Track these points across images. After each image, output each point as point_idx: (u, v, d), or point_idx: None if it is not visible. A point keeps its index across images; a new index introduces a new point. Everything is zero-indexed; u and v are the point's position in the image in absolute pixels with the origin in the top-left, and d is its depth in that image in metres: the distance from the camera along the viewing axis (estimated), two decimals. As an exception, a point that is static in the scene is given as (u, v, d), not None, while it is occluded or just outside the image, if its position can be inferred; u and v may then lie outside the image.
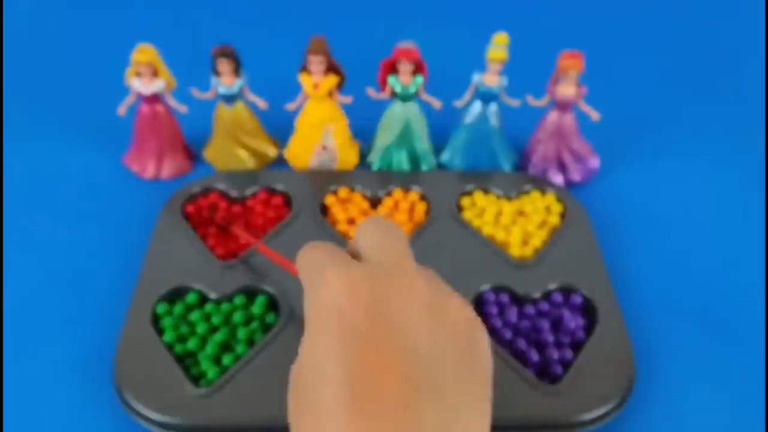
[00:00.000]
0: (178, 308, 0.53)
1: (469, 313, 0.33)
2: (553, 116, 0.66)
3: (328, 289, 0.31)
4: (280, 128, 0.69)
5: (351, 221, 0.61)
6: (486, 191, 0.64)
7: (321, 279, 0.31)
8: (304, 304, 0.33)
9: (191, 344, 0.50)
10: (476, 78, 0.64)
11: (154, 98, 0.65)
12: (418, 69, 0.63)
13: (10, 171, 0.68)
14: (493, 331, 0.52)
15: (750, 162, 0.72)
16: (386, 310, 0.30)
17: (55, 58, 0.84)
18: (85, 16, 0.92)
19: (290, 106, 0.66)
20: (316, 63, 0.62)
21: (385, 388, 0.28)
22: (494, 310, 0.53)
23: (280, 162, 0.69)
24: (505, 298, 0.54)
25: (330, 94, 0.65)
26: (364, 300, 0.30)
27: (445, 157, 0.69)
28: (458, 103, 0.66)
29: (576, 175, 0.67)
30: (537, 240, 0.59)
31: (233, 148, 0.68)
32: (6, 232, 0.62)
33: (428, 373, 0.29)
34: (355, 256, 0.35)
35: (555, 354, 0.50)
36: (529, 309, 0.53)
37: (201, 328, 0.51)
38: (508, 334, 0.52)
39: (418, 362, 0.29)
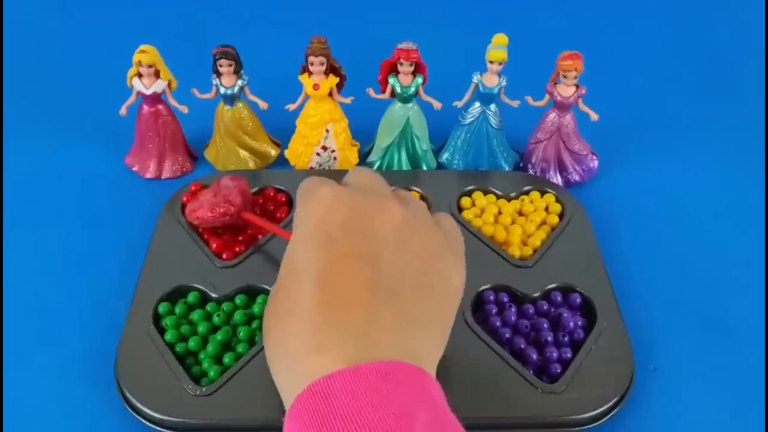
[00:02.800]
0: (179, 308, 0.53)
1: (438, 245, 0.37)
2: (552, 117, 0.66)
3: (316, 201, 0.36)
4: (280, 129, 0.70)
5: (351, 221, 0.61)
6: (486, 191, 0.64)
7: (313, 194, 0.37)
8: (294, 218, 0.38)
9: (192, 344, 0.51)
10: (476, 79, 0.64)
11: (156, 99, 0.65)
12: (418, 70, 0.64)
13: (12, 171, 0.68)
14: (492, 331, 0.52)
15: (750, 162, 0.72)
16: (359, 223, 0.35)
17: (56, 59, 0.85)
18: (86, 17, 0.92)
19: (291, 107, 0.66)
20: (317, 64, 0.62)
21: (348, 286, 0.33)
22: (494, 309, 0.54)
23: (281, 162, 0.70)
24: (504, 297, 0.55)
25: (330, 95, 0.65)
26: (343, 212, 0.35)
27: (445, 157, 0.69)
28: (458, 104, 0.66)
29: (575, 176, 0.68)
30: (536, 240, 0.59)
31: (234, 149, 0.68)
32: (7, 231, 0.62)
33: (387, 282, 0.34)
34: None
35: (554, 353, 0.50)
36: (529, 308, 0.54)
37: (202, 328, 0.52)
38: (507, 334, 0.52)
39: (378, 270, 0.34)
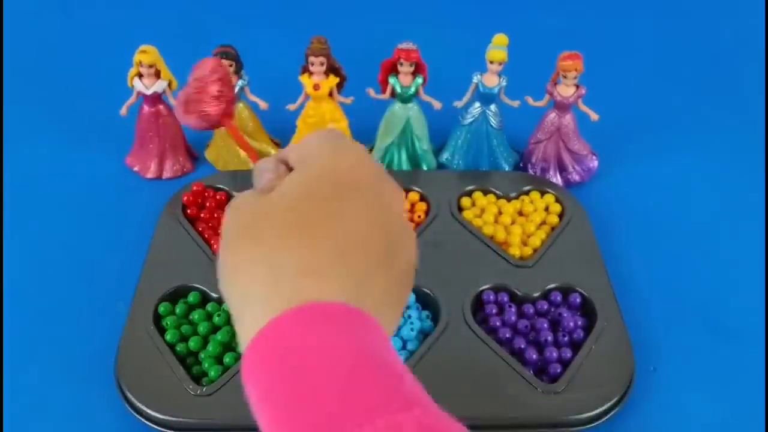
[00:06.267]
0: (179, 308, 0.53)
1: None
2: (552, 117, 0.66)
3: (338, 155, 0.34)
4: (281, 129, 0.70)
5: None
6: (486, 191, 0.64)
7: (340, 144, 0.34)
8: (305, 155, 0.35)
9: (193, 344, 0.51)
10: (476, 79, 0.64)
11: (156, 99, 0.65)
12: (418, 70, 0.64)
13: (13, 171, 0.68)
14: (492, 331, 0.52)
15: (749, 162, 0.72)
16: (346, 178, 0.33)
17: (56, 59, 0.85)
18: (86, 17, 0.92)
19: (291, 107, 0.66)
20: (317, 64, 0.62)
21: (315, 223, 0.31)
22: (493, 309, 0.54)
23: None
24: (504, 297, 0.55)
25: (331, 95, 0.65)
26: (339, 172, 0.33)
27: (445, 157, 0.69)
28: (458, 104, 0.66)
29: (575, 176, 0.68)
30: (536, 240, 0.59)
31: (234, 149, 0.68)
32: (7, 231, 0.62)
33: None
34: None
35: (554, 353, 0.50)
36: (529, 308, 0.54)
37: (203, 328, 0.52)
38: (507, 334, 0.52)
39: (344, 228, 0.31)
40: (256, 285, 0.30)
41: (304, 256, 0.30)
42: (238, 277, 0.32)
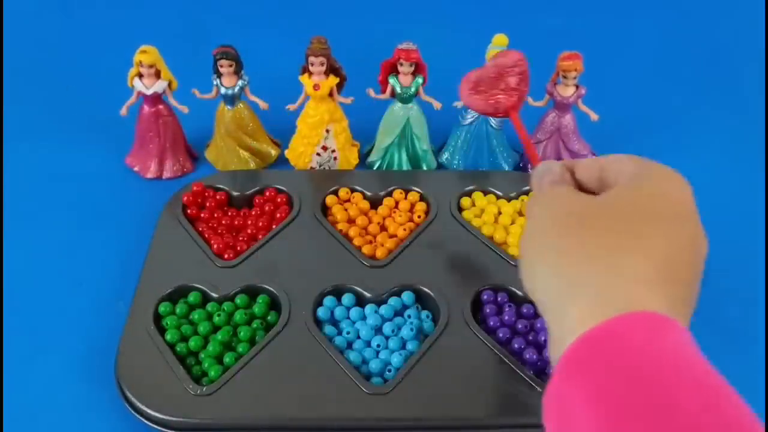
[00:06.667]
0: (180, 307, 0.53)
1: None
2: (552, 117, 0.66)
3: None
4: (281, 129, 0.70)
5: (351, 221, 0.62)
6: (486, 191, 0.64)
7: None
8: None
9: (193, 343, 0.51)
10: (476, 79, 0.64)
11: (156, 99, 0.65)
12: (418, 70, 0.64)
13: (12, 171, 0.68)
14: (491, 331, 0.52)
15: (750, 162, 0.72)
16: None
17: (56, 59, 0.85)
18: (86, 16, 0.92)
19: (291, 107, 0.66)
20: (317, 64, 0.62)
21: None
22: (492, 309, 0.54)
23: (282, 162, 0.70)
24: (503, 297, 0.55)
25: (331, 95, 0.65)
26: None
27: (445, 157, 0.69)
28: (458, 104, 0.66)
29: (575, 176, 0.68)
30: (536, 240, 0.59)
31: (234, 149, 0.68)
32: (7, 231, 0.62)
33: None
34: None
35: (554, 353, 0.50)
36: (528, 309, 0.54)
37: (203, 328, 0.52)
38: (506, 334, 0.52)
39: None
40: (588, 279, 0.30)
41: (638, 264, 0.31)
42: (564, 266, 0.32)
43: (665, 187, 0.35)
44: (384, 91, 0.65)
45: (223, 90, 0.65)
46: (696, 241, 0.34)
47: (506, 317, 0.53)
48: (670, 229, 0.33)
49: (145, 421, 0.46)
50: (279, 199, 0.63)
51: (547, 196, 0.36)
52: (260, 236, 0.59)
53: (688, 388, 0.26)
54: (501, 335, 0.52)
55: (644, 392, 0.26)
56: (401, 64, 0.63)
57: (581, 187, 0.37)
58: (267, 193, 0.63)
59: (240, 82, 0.65)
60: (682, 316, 0.32)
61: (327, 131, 0.66)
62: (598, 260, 0.31)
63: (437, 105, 0.65)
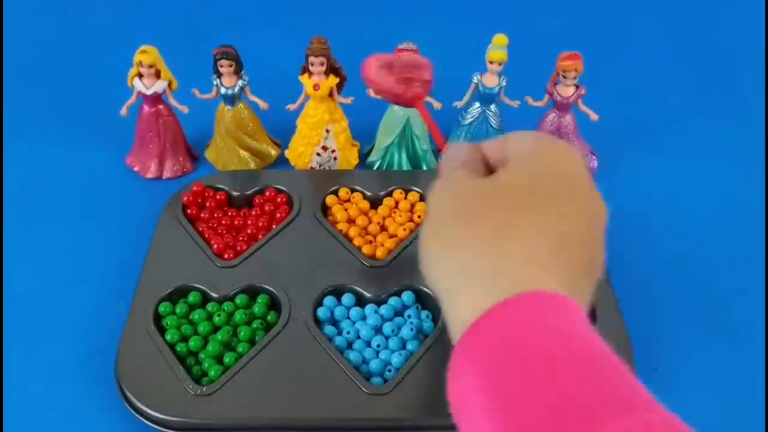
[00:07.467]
0: (180, 308, 0.53)
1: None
2: (552, 117, 0.66)
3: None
4: (281, 129, 0.70)
5: (351, 221, 0.62)
6: (486, 191, 0.64)
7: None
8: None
9: (193, 344, 0.51)
10: (476, 79, 0.64)
11: (156, 99, 0.65)
12: (418, 70, 0.64)
13: (13, 170, 0.68)
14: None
15: (749, 161, 0.72)
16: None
17: (56, 59, 0.85)
18: (86, 17, 0.92)
19: (291, 107, 0.66)
20: (317, 64, 0.62)
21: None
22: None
23: (282, 162, 0.70)
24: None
25: (331, 95, 0.65)
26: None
27: (445, 157, 0.69)
28: (458, 104, 0.66)
29: (575, 176, 0.68)
30: (536, 240, 0.59)
31: (234, 149, 0.68)
32: (7, 231, 0.62)
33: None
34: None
35: (554, 353, 0.50)
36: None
37: (203, 328, 0.52)
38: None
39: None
40: (478, 264, 0.30)
41: (528, 245, 0.30)
42: (455, 252, 0.31)
43: (556, 162, 0.34)
44: (384, 91, 0.65)
45: (223, 90, 0.65)
46: (591, 212, 0.33)
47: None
48: (562, 204, 0.32)
49: (145, 421, 0.46)
50: (279, 199, 0.63)
51: (443, 181, 0.35)
52: (260, 236, 0.59)
53: (565, 363, 0.26)
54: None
55: (522, 370, 0.26)
56: (401, 64, 0.63)
57: (491, 168, 0.37)
58: (267, 193, 0.63)
59: (240, 82, 0.65)
60: (583, 288, 0.32)
61: (327, 131, 0.66)
62: (488, 244, 0.31)
63: (437, 105, 0.65)
